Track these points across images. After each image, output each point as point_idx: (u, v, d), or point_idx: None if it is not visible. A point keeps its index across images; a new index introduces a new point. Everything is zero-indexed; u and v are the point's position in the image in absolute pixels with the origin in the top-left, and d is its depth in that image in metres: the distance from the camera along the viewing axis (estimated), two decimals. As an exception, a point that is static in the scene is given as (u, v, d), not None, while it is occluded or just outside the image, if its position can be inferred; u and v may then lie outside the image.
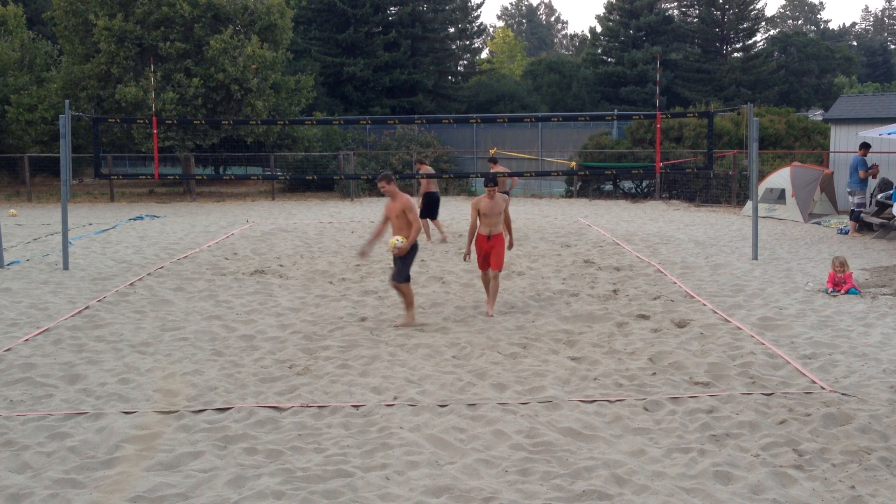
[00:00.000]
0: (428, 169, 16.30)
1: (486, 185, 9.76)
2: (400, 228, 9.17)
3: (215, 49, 26.07)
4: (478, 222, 9.84)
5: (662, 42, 51.69)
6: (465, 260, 10.44)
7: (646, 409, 6.47)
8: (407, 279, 9.25)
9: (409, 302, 9.31)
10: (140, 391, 7.00)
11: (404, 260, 9.14)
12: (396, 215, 9.17)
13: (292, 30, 30.94)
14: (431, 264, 13.26)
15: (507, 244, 10.07)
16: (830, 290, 10.62)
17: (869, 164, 17.40)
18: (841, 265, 10.69)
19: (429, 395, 6.85)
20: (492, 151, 28.36)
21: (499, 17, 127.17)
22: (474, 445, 5.76)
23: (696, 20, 55.06)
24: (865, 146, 17.33)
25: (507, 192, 15.61)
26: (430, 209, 16.11)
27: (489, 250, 9.85)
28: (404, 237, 9.13)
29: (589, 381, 7.22)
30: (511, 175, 16.62)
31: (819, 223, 18.65)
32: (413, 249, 9.23)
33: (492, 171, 16.35)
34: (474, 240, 10.00)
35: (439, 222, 16.68)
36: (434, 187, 16.38)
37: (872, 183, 17.72)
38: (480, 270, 10.11)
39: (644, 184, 26.94)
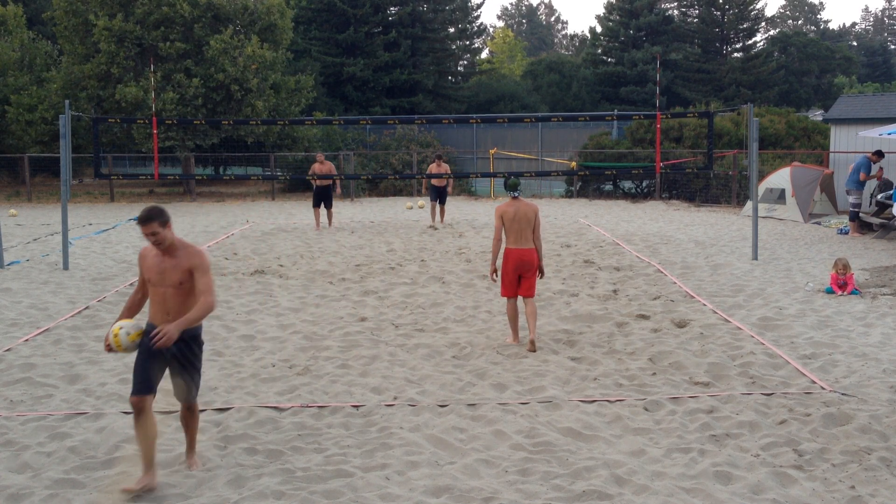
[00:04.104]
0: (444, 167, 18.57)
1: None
2: (176, 307, 5.20)
3: (215, 49, 26.07)
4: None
5: (662, 42, 51.68)
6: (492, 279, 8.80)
7: (646, 409, 6.47)
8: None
9: (193, 434, 5.59)
10: (140, 391, 6.99)
11: (195, 360, 5.41)
12: (179, 281, 5.19)
13: (292, 30, 30.94)
14: (431, 264, 13.25)
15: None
16: (837, 293, 10.57)
17: (874, 171, 17.23)
18: (844, 267, 10.66)
19: (429, 395, 6.85)
20: (492, 151, 28.43)
21: (499, 17, 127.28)
22: (474, 445, 5.76)
23: (696, 20, 55.05)
24: (879, 154, 17.18)
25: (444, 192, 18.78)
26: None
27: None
28: (140, 329, 5.21)
29: (589, 381, 7.22)
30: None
31: (819, 223, 18.65)
32: (199, 341, 5.42)
33: (438, 169, 17.84)
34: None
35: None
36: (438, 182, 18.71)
37: (872, 183, 17.69)
38: (508, 296, 8.43)
39: (644, 184, 26.94)
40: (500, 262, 8.55)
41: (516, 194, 8.42)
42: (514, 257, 8.29)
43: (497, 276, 8.59)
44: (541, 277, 8.61)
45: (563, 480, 5.21)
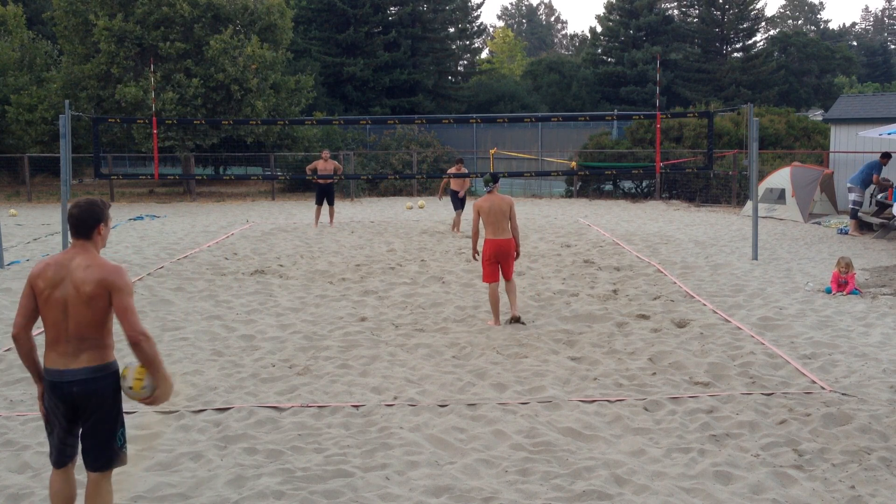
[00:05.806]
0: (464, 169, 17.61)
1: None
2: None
3: (215, 49, 26.07)
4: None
5: (662, 42, 51.70)
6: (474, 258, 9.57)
7: (646, 409, 6.47)
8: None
9: None
10: (140, 391, 6.99)
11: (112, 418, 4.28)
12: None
13: (292, 30, 30.94)
14: (431, 264, 13.25)
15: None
16: (835, 292, 10.58)
17: (883, 175, 17.22)
18: (846, 266, 10.66)
19: (429, 395, 6.85)
20: (492, 151, 28.45)
21: (499, 17, 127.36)
22: (474, 445, 5.76)
23: (696, 20, 55.07)
24: (887, 156, 17.19)
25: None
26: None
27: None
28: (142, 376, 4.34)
29: (589, 381, 7.22)
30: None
31: (819, 223, 18.65)
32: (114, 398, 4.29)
33: (460, 170, 17.11)
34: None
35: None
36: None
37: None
38: (490, 282, 9.21)
39: (644, 184, 26.94)
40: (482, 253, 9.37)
41: (489, 189, 9.20)
42: (493, 247, 9.09)
43: (479, 257, 9.41)
44: (516, 258, 9.34)
45: (563, 480, 5.20)
